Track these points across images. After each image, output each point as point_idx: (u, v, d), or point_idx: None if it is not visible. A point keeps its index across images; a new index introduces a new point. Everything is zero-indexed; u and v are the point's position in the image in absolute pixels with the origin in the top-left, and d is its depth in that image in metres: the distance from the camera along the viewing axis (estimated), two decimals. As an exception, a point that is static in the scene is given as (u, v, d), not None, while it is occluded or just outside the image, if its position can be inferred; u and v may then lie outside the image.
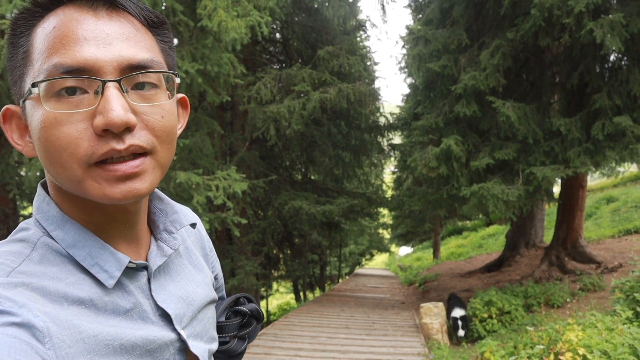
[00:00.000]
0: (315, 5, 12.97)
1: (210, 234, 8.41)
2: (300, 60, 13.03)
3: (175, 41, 8.83)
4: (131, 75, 0.66)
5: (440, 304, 8.90)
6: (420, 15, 12.18)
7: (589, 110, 8.88)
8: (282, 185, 12.70)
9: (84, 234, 0.70)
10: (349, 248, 29.74)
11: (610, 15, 7.93)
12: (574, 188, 11.28)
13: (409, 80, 13.71)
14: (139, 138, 0.66)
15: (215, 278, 1.01)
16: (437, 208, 12.73)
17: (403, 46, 12.30)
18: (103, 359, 0.63)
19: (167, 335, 0.74)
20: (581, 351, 4.31)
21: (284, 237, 15.95)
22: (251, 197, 11.19)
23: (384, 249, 32.10)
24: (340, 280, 24.78)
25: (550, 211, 18.16)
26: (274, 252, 15.56)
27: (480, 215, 23.58)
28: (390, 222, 26.86)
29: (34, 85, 0.64)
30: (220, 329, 0.95)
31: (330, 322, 9.57)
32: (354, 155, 14.66)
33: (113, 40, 0.66)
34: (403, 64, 12.63)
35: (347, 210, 13.07)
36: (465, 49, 9.98)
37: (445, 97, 10.37)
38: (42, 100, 0.64)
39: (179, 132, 0.78)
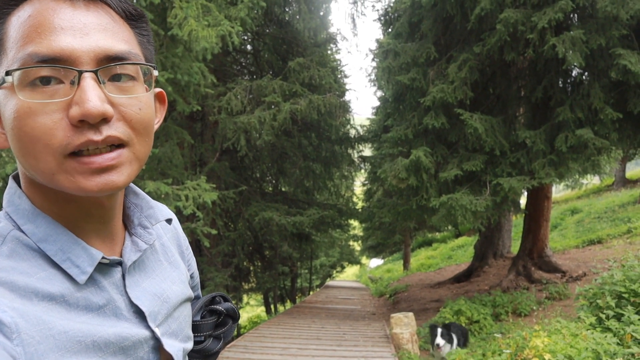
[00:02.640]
0: (287, 18, 13.06)
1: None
2: (271, 72, 13.06)
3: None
4: (108, 66, 0.65)
5: (411, 314, 8.95)
6: (390, 29, 12.35)
7: (553, 122, 9.11)
8: (253, 196, 12.65)
9: (55, 228, 0.68)
10: (319, 260, 29.72)
11: (572, 32, 8.19)
12: (539, 199, 11.52)
13: (379, 93, 13.90)
14: (115, 129, 0.64)
15: (192, 276, 0.99)
16: (407, 219, 12.83)
17: (373, 59, 12.45)
18: (74, 356, 0.62)
19: (141, 332, 0.72)
20: (547, 356, 4.40)
21: (254, 249, 15.85)
22: (221, 208, 11.12)
23: (354, 261, 32.08)
24: (311, 293, 24.70)
25: (517, 222, 18.50)
26: (245, 264, 15.42)
27: (450, 227, 23.90)
28: (361, 234, 26.94)
29: (7, 73, 0.62)
30: (195, 328, 0.93)
31: (301, 334, 9.53)
32: (325, 167, 14.72)
33: (90, 30, 0.65)
34: (373, 77, 12.77)
35: (318, 222, 13.08)
36: (434, 62, 10.14)
37: (414, 110, 10.49)
38: (16, 90, 0.62)
39: (156, 127, 0.77)
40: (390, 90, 11.48)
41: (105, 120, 0.63)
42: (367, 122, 16.65)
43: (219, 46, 6.80)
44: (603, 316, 5.33)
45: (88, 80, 0.63)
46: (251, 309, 24.36)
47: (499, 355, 5.33)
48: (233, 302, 1.03)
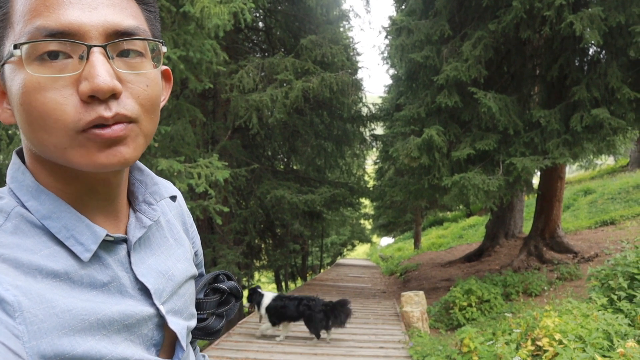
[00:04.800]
0: (299, -6, 12.92)
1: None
2: (283, 49, 12.97)
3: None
4: (117, 41, 0.64)
5: (421, 293, 8.98)
6: (404, 6, 12.20)
7: (568, 102, 9.00)
8: (264, 174, 12.68)
9: (59, 205, 0.67)
10: (330, 238, 29.84)
11: (590, 9, 8.03)
12: (552, 179, 11.44)
13: (392, 71, 13.78)
14: (124, 107, 0.64)
15: (196, 254, 0.98)
16: (418, 198, 12.81)
17: (386, 37, 12.29)
18: (78, 334, 0.61)
19: (146, 310, 0.72)
20: (557, 336, 4.41)
21: (266, 227, 15.93)
22: (233, 186, 11.16)
23: (365, 239, 32.18)
24: (322, 270, 24.89)
25: (529, 202, 18.40)
26: (256, 241, 15.52)
27: (461, 206, 23.84)
28: (372, 212, 26.96)
29: (15, 47, 0.61)
30: (198, 305, 0.92)
31: (311, 311, 9.59)
32: (336, 145, 14.68)
33: (99, 5, 0.64)
34: (386, 55, 12.65)
35: (329, 200, 13.10)
36: (448, 40, 10.02)
37: (427, 88, 10.41)
38: (24, 64, 0.61)
39: (162, 104, 0.76)
40: (403, 68, 11.38)
41: (114, 96, 0.63)
42: (379, 101, 16.54)
43: (231, 23, 6.75)
44: (615, 297, 5.32)
45: (97, 55, 0.62)
46: (262, 286, 24.56)
47: (509, 334, 5.35)
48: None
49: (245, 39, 14.13)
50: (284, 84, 10.52)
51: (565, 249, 11.19)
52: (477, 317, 8.64)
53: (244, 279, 15.38)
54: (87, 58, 0.62)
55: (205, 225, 11.79)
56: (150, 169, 5.77)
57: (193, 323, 0.86)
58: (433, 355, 6.29)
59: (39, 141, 0.64)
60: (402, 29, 10.51)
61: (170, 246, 0.84)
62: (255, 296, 7.25)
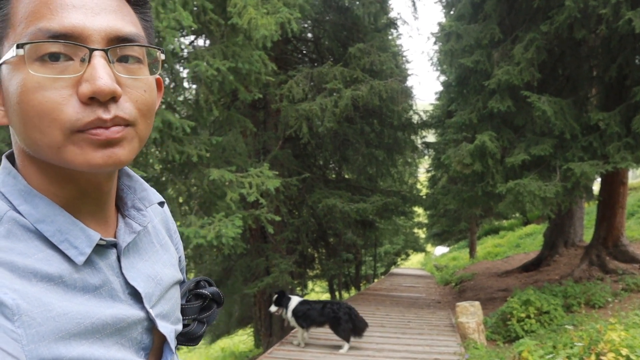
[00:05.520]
0: (346, 4, 12.95)
1: (244, 232, 8.49)
2: (331, 58, 13.02)
3: (207, 41, 8.96)
4: (119, 46, 0.66)
5: (477, 303, 8.76)
6: (452, 11, 12.04)
7: (629, 103, 8.62)
8: (316, 183, 12.72)
9: (53, 209, 0.67)
10: (384, 248, 29.58)
11: (651, 5, 7.69)
12: (614, 185, 10.97)
13: (442, 77, 13.60)
14: (122, 110, 0.65)
15: (179, 260, 0.98)
16: (472, 206, 12.55)
17: (435, 42, 12.19)
18: (74, 337, 0.62)
19: (136, 313, 0.73)
20: (624, 351, 4.19)
21: (318, 236, 15.94)
22: (285, 195, 11.24)
23: (419, 248, 31.77)
24: (375, 280, 24.68)
25: (589, 210, 17.69)
26: (309, 250, 15.56)
27: (517, 214, 23.19)
28: (426, 221, 26.63)
29: (18, 46, 0.62)
30: (181, 311, 0.92)
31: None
32: (388, 153, 14.57)
33: (101, 10, 0.66)
34: (435, 61, 12.53)
35: (382, 209, 13.00)
36: (498, 44, 9.81)
37: (478, 93, 10.23)
38: (26, 63, 0.62)
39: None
40: (453, 74, 11.23)
41: (113, 99, 0.64)
42: (430, 108, 16.36)
43: (278, 34, 6.84)
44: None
45: (99, 59, 0.63)
46: (316, 295, 24.60)
47: (571, 348, 5.13)
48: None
49: (294, 49, 14.28)
50: (333, 93, 10.55)
51: (631, 259, 10.67)
52: (536, 329, 8.34)
53: (298, 289, 15.44)
54: (89, 61, 0.63)
55: (257, 234, 11.93)
56: (202, 179, 5.86)
57: (179, 327, 0.86)
58: (489, 367, 6.10)
59: (34, 140, 0.64)
60: (451, 34, 10.38)
61: (157, 251, 0.85)
62: (284, 300, 7.30)
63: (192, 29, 6.33)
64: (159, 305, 0.78)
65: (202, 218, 6.81)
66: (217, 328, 14.96)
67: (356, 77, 10.74)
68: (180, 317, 0.89)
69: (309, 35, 14.40)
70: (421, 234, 32.54)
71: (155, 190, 0.89)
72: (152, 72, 0.72)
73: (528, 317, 8.67)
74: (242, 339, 17.43)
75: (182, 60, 7.52)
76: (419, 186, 19.28)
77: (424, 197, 16.75)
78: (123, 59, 0.67)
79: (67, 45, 0.63)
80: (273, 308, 7.15)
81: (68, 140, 0.63)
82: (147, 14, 0.76)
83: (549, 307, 8.67)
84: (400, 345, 7.96)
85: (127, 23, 0.68)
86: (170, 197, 7.05)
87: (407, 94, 12.16)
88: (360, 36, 12.72)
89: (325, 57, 13.81)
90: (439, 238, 31.44)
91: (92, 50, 0.63)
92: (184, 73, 7.67)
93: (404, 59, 14.04)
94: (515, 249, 21.69)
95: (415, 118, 14.63)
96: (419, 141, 15.41)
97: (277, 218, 8.18)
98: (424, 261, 39.85)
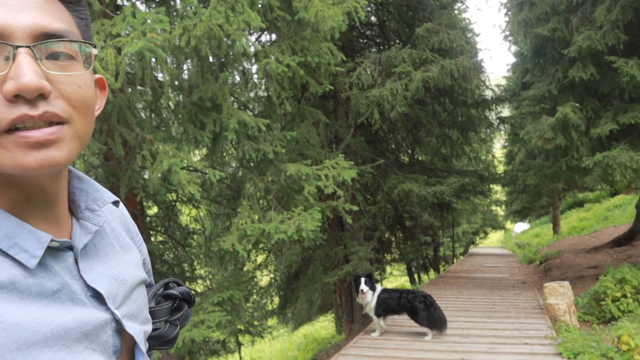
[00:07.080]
0: (409, -17, 12.66)
1: (322, 222, 8.54)
2: (398, 41, 12.77)
3: (273, 35, 9.01)
4: (45, 42, 0.64)
5: (566, 283, 8.40)
6: (523, -21, 11.46)
7: None
8: (390, 168, 12.59)
9: None
10: (461, 227, 28.95)
11: None
12: None
13: (515, 48, 13.02)
14: (54, 106, 0.63)
15: (144, 262, 0.96)
16: (555, 181, 12.03)
17: (506, 13, 11.67)
18: (32, 347, 0.59)
19: (101, 315, 0.70)
20: None
21: (395, 221, 15.84)
22: (360, 183, 11.21)
23: (498, 226, 30.87)
24: (455, 261, 24.26)
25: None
26: (386, 236, 15.48)
27: (604, 186, 21.98)
28: (504, 198, 25.78)
29: None
30: (151, 314, 0.91)
31: (448, 305, 9.37)
32: (462, 132, 14.21)
33: (25, 7, 0.64)
34: (507, 32, 12.00)
35: (459, 190, 12.73)
36: (577, 8, 9.27)
37: (557, 63, 9.74)
38: None
39: (97, 113, 0.75)
40: (527, 45, 10.72)
41: (42, 96, 0.62)
42: (503, 81, 15.72)
43: (345, 23, 6.78)
44: None
45: (24, 56, 0.61)
46: (395, 279, 24.53)
47: (677, 329, 4.81)
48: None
49: (359, 35, 14.11)
50: (403, 76, 10.35)
51: None
52: (634, 310, 7.92)
53: (376, 274, 15.43)
54: (14, 59, 0.61)
55: (335, 224, 11.98)
56: (279, 175, 5.92)
57: (149, 328, 0.85)
58: (586, 353, 5.85)
59: None
60: (523, 3, 9.93)
61: (117, 252, 0.83)
62: (374, 284, 7.34)
63: (261, 28, 6.35)
64: (124, 306, 0.77)
65: (282, 213, 6.90)
66: (299, 316, 15.18)
67: (425, 58, 10.48)
68: (149, 318, 0.88)
69: (373, 19, 14.18)
70: (500, 211, 31.61)
71: (108, 191, 0.87)
72: (86, 68, 0.70)
73: (624, 296, 8.24)
74: (324, 325, 17.66)
75: (251, 58, 7.59)
76: (495, 163, 18.65)
77: (502, 174, 16.19)
78: (54, 56, 0.66)
79: None
80: (364, 287, 7.16)
81: None
82: (82, 11, 0.74)
83: (648, 285, 8.19)
84: (486, 330, 7.79)
85: (55, 19, 0.66)
86: (248, 194, 7.18)
87: (478, 69, 11.74)
88: (427, 15, 12.39)
89: (391, 39, 13.58)
90: (518, 215, 30.37)
91: (16, 48, 0.61)
92: (253, 69, 7.76)
93: (472, 33, 13.55)
94: (603, 222, 20.67)
95: (489, 93, 14.13)
96: (494, 117, 14.89)
97: (355, 208, 8.16)
98: (503, 239, 38.79)
